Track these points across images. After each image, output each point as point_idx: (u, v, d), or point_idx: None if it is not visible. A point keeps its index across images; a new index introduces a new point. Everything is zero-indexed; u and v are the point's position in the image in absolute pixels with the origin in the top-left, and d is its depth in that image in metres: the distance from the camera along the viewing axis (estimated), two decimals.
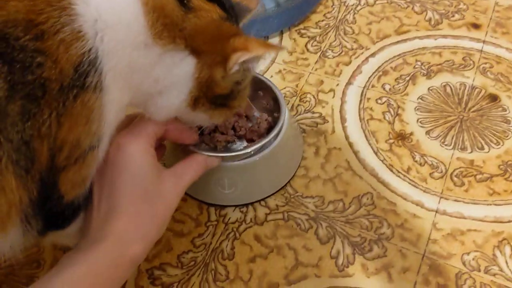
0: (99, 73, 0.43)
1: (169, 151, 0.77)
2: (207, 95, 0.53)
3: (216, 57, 0.51)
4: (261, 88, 0.77)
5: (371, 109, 0.85)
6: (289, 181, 0.75)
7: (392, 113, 0.84)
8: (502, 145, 0.79)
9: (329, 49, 0.95)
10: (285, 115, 0.72)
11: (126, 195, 0.51)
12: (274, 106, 0.76)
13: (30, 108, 0.40)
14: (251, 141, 0.75)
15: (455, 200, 0.73)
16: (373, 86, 0.88)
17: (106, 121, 0.46)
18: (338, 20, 1.00)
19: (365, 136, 0.81)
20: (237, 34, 0.52)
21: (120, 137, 0.52)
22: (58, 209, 0.47)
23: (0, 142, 0.39)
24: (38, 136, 0.41)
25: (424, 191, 0.74)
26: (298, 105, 0.86)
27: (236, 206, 0.73)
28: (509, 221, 0.70)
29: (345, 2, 1.04)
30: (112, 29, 0.43)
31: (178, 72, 0.50)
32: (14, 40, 0.39)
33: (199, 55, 0.50)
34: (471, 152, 0.78)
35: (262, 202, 0.74)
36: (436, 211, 0.72)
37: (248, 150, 0.69)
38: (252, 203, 0.73)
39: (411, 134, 0.81)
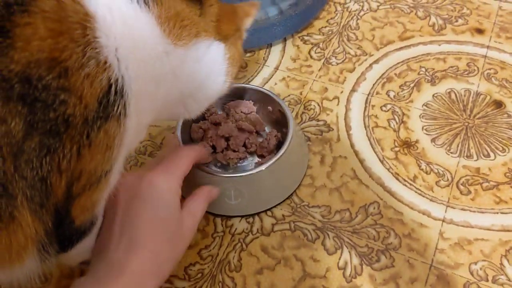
0: (123, 101, 0.43)
1: None
2: (237, 70, 0.60)
3: (234, 31, 0.57)
4: (270, 104, 0.78)
5: (376, 116, 0.85)
6: (295, 191, 0.75)
7: (397, 120, 0.84)
8: (508, 152, 0.79)
9: (333, 56, 0.95)
10: (292, 131, 0.73)
11: (151, 232, 0.53)
12: (282, 120, 0.76)
13: (50, 144, 0.39)
14: (261, 156, 0.76)
15: (462, 209, 0.73)
16: (377, 93, 0.88)
17: (124, 145, 0.46)
18: (341, 26, 1.00)
19: (371, 144, 0.81)
20: (235, 6, 0.60)
21: (154, 174, 0.56)
22: (67, 234, 0.47)
23: (15, 180, 0.39)
24: (57, 171, 0.41)
25: (431, 200, 0.74)
26: (303, 113, 0.86)
27: (242, 216, 0.73)
28: None
29: (348, 8, 1.04)
30: (132, 52, 0.43)
31: (210, 59, 0.54)
32: (37, 80, 0.37)
33: (225, 37, 0.55)
34: (477, 159, 0.78)
35: (269, 212, 0.73)
36: (443, 220, 0.71)
37: (261, 168, 0.70)
38: (258, 213, 0.73)
39: (417, 141, 0.81)
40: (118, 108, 0.42)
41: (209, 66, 0.54)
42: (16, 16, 0.36)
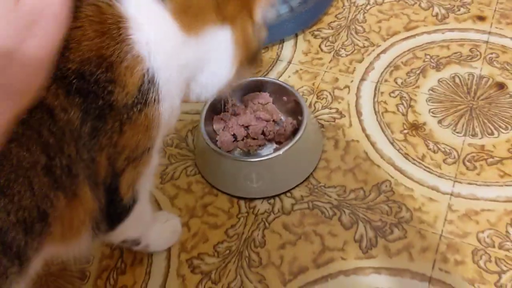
0: (156, 88, 0.49)
1: (199, 153, 0.84)
2: (246, 53, 0.59)
3: (243, 13, 0.56)
4: (285, 94, 0.84)
5: (385, 102, 0.90)
6: (312, 173, 0.81)
7: (405, 105, 0.89)
8: (511, 130, 0.84)
9: (342, 48, 1.01)
10: (306, 117, 0.78)
11: None
12: (297, 109, 0.82)
13: (97, 125, 0.46)
14: (279, 143, 0.82)
15: (469, 183, 0.78)
16: (386, 81, 0.94)
17: (161, 126, 0.53)
18: (349, 20, 1.06)
19: (381, 128, 0.87)
20: None
21: None
22: (117, 211, 0.54)
23: (77, 161, 0.46)
24: (100, 150, 0.47)
25: (439, 176, 0.79)
26: (316, 102, 0.92)
27: (264, 198, 0.79)
28: None
29: (354, 2, 1.09)
30: (158, 45, 0.49)
31: (217, 42, 0.55)
32: (90, 75, 0.44)
33: (232, 20, 0.55)
34: (482, 137, 0.83)
35: (288, 194, 0.79)
36: (451, 194, 0.77)
37: (279, 153, 0.76)
38: (278, 195, 0.79)
39: (424, 124, 0.86)
40: (152, 94, 0.49)
41: (216, 49, 0.56)
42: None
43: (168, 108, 0.52)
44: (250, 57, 0.61)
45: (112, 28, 0.46)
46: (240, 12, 0.56)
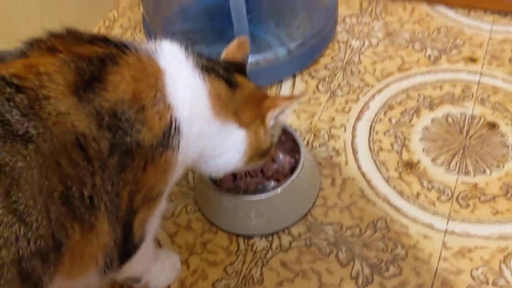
0: (178, 137, 0.55)
1: (199, 191, 0.86)
2: (256, 152, 0.67)
3: (257, 120, 0.65)
4: (283, 133, 0.87)
5: (380, 141, 0.93)
6: (309, 210, 0.83)
7: (400, 143, 0.92)
8: (503, 168, 0.86)
9: (338, 89, 1.04)
10: (304, 156, 0.81)
11: None
12: (295, 147, 0.85)
13: (125, 160, 0.50)
14: (277, 180, 0.84)
15: (462, 221, 0.80)
16: (380, 120, 0.97)
17: (174, 174, 0.58)
18: (345, 62, 1.10)
19: (376, 166, 0.89)
20: (266, 96, 0.66)
21: None
22: (129, 248, 0.57)
23: (101, 192, 0.49)
24: (124, 185, 0.51)
25: (433, 214, 0.81)
26: (313, 140, 0.95)
27: (262, 235, 0.81)
28: None
29: (350, 45, 1.14)
30: (189, 105, 0.56)
31: (233, 140, 0.64)
32: (121, 114, 0.50)
33: (247, 125, 0.64)
34: (474, 176, 0.85)
35: (286, 231, 0.81)
36: (445, 232, 0.78)
37: (277, 191, 0.78)
38: (277, 232, 0.81)
39: (418, 162, 0.89)
40: (174, 141, 0.55)
41: (231, 145, 0.64)
42: (109, 66, 0.50)
43: (182, 159, 0.57)
44: (261, 153, 0.68)
45: (149, 77, 0.53)
46: (254, 120, 0.64)
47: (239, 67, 0.67)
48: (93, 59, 0.50)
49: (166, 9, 1.19)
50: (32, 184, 0.44)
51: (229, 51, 0.70)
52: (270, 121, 0.65)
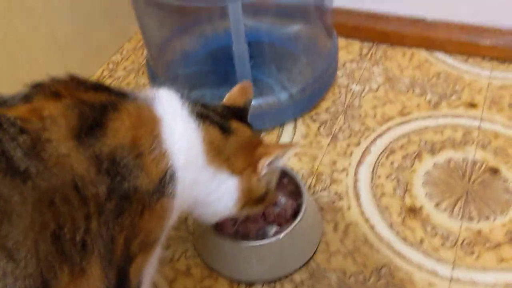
0: (174, 184, 0.55)
1: (198, 236, 0.85)
2: (250, 199, 0.66)
3: (250, 168, 0.64)
4: (285, 176, 0.86)
5: (382, 185, 0.93)
6: (312, 256, 0.82)
7: (402, 188, 0.92)
8: (506, 214, 0.85)
9: (340, 132, 1.05)
10: (306, 200, 0.81)
11: None
12: (297, 191, 0.84)
13: (123, 205, 0.50)
14: (279, 225, 0.83)
15: (467, 268, 0.78)
16: (382, 164, 0.97)
17: (170, 220, 0.58)
18: (345, 106, 1.11)
19: (379, 211, 0.88)
20: (260, 143, 0.66)
21: None
22: None
23: (95, 237, 0.48)
24: (121, 230, 0.50)
25: (438, 261, 0.80)
26: (315, 184, 0.94)
27: (264, 282, 0.79)
28: None
29: (350, 89, 1.15)
30: (184, 152, 0.56)
31: (226, 187, 0.63)
32: (120, 159, 0.50)
33: (240, 173, 0.63)
34: (478, 222, 0.85)
35: (288, 277, 0.79)
36: (450, 279, 0.77)
37: (279, 236, 0.77)
38: (279, 279, 0.79)
39: (421, 207, 0.88)
40: (170, 188, 0.55)
41: (224, 192, 0.64)
42: (110, 113, 0.51)
43: (178, 205, 0.57)
44: (256, 201, 0.68)
45: (147, 124, 0.54)
46: (247, 168, 0.64)
47: (237, 113, 0.68)
48: (96, 106, 0.51)
49: (170, 53, 1.21)
50: (24, 220, 0.44)
51: (230, 96, 0.71)
52: (262, 169, 0.65)
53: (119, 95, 0.55)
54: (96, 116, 0.50)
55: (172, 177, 0.55)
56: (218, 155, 0.61)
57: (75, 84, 0.53)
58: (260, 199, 0.68)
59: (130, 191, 0.51)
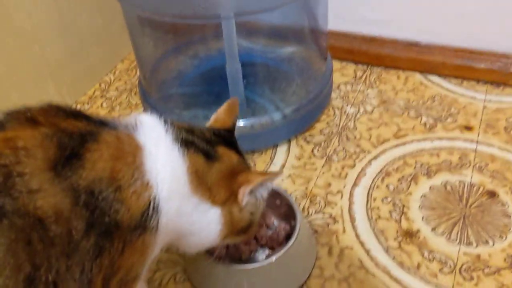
0: (157, 217, 0.52)
1: (189, 260, 0.82)
2: (232, 230, 0.63)
3: (231, 198, 0.61)
4: (278, 198, 0.84)
5: (378, 208, 0.90)
6: (305, 282, 0.79)
7: (398, 211, 0.89)
8: (505, 239, 0.83)
9: (334, 154, 1.03)
10: (300, 223, 0.78)
11: None
12: (290, 213, 0.82)
13: (103, 243, 0.47)
14: (272, 248, 0.80)
15: None
16: (377, 187, 0.94)
17: (151, 255, 0.54)
18: (340, 127, 1.09)
19: (375, 234, 0.86)
20: (243, 171, 0.63)
21: None
22: None
23: (66, 279, 0.45)
24: (99, 271, 0.47)
25: (436, 287, 0.77)
26: (309, 206, 0.92)
27: None
28: None
29: (345, 111, 1.14)
30: (168, 182, 0.53)
31: (208, 218, 0.60)
32: (99, 193, 0.47)
33: (222, 203, 0.61)
34: (477, 246, 0.82)
35: None
36: None
37: (271, 259, 0.74)
38: None
39: (418, 231, 0.85)
40: (153, 222, 0.52)
41: (207, 223, 0.61)
42: (89, 143, 0.49)
43: (161, 239, 0.54)
44: (239, 232, 0.65)
45: (127, 155, 0.51)
46: (229, 198, 0.61)
47: (225, 137, 0.65)
48: (75, 135, 0.49)
49: (163, 74, 1.20)
50: None
51: (218, 116, 0.68)
52: (243, 197, 0.61)
53: (99, 124, 0.52)
54: (74, 146, 0.48)
55: (156, 209, 0.52)
56: (202, 184, 0.58)
57: (54, 111, 0.51)
58: (243, 231, 0.65)
59: (112, 227, 0.48)
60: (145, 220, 0.51)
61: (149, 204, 0.51)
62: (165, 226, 0.54)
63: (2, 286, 0.41)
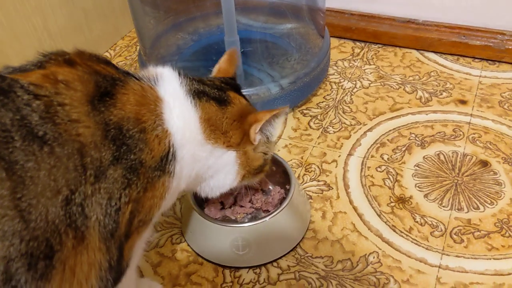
0: (174, 163, 0.56)
1: (186, 221, 0.84)
2: (249, 170, 0.68)
3: (245, 138, 0.66)
4: (274, 164, 0.85)
5: (372, 176, 0.92)
6: (299, 243, 0.80)
7: (392, 179, 0.91)
8: (496, 205, 0.84)
9: (330, 126, 1.04)
10: (294, 186, 0.80)
11: None
12: (285, 179, 0.84)
13: (130, 177, 0.51)
14: (267, 211, 0.82)
15: (456, 256, 0.77)
16: (372, 157, 0.96)
17: (168, 200, 0.58)
18: (337, 101, 1.11)
19: (368, 200, 0.87)
20: (251, 112, 0.67)
21: None
22: (118, 271, 0.53)
23: (91, 203, 0.48)
24: (128, 201, 0.50)
25: (427, 249, 0.78)
26: (304, 174, 0.93)
27: (249, 267, 0.78)
28: (508, 274, 0.74)
29: (342, 85, 1.15)
30: (183, 131, 0.58)
31: (224, 161, 0.65)
32: (126, 130, 0.51)
33: (236, 146, 0.65)
34: (468, 212, 0.84)
35: (275, 263, 0.78)
36: (439, 267, 0.76)
37: (265, 219, 0.76)
38: (265, 264, 0.78)
39: (411, 197, 0.87)
40: (170, 167, 0.55)
41: (224, 166, 0.66)
42: (118, 86, 0.53)
43: (176, 184, 0.58)
44: (255, 171, 0.70)
45: (149, 103, 0.55)
46: (242, 139, 0.66)
47: (232, 84, 0.69)
48: (108, 77, 0.53)
49: (163, 49, 1.22)
50: (37, 185, 0.44)
51: (221, 67, 0.72)
52: (255, 136, 0.66)
53: (126, 74, 0.57)
54: (107, 86, 0.52)
55: (173, 156, 0.56)
56: (214, 131, 0.62)
57: (88, 55, 0.55)
58: (258, 170, 0.70)
59: (137, 164, 0.51)
60: (164, 164, 0.55)
61: (168, 150, 0.55)
62: (180, 171, 0.57)
63: (46, 204, 0.44)
